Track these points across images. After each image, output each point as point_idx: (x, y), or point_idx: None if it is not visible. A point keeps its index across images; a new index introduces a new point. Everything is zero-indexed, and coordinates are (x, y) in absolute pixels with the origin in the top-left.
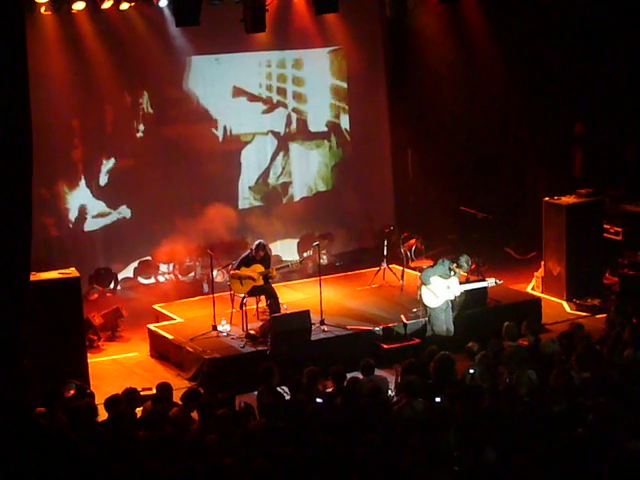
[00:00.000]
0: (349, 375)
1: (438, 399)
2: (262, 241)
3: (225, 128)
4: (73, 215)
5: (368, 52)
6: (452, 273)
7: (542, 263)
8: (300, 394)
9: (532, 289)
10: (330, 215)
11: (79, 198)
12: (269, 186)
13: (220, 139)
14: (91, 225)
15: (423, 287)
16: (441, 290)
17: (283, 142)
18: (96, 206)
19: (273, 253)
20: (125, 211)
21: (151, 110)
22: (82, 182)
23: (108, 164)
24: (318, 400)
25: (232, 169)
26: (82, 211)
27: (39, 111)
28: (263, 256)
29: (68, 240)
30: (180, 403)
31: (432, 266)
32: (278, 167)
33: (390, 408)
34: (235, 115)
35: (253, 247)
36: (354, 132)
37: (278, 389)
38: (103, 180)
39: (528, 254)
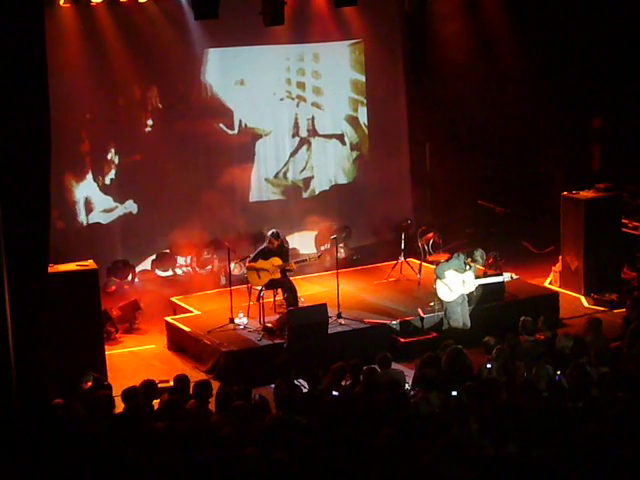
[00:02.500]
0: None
1: (454, 392)
2: (275, 230)
3: (241, 122)
4: (80, 208)
5: (387, 45)
6: (467, 267)
7: (560, 257)
8: (318, 387)
9: (550, 283)
10: (348, 208)
11: (86, 191)
12: (289, 180)
13: (236, 133)
14: (98, 219)
15: (438, 281)
16: (456, 284)
17: (303, 137)
18: (103, 200)
19: (290, 246)
20: (132, 206)
21: (162, 105)
22: (89, 175)
23: (116, 158)
24: (334, 393)
25: (248, 162)
26: (86, 204)
27: (51, 102)
28: (279, 247)
29: (76, 232)
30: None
31: (447, 260)
32: (300, 162)
33: (407, 401)
34: (252, 109)
35: (268, 236)
36: (372, 126)
37: (295, 382)
38: (111, 174)
39: (546, 248)
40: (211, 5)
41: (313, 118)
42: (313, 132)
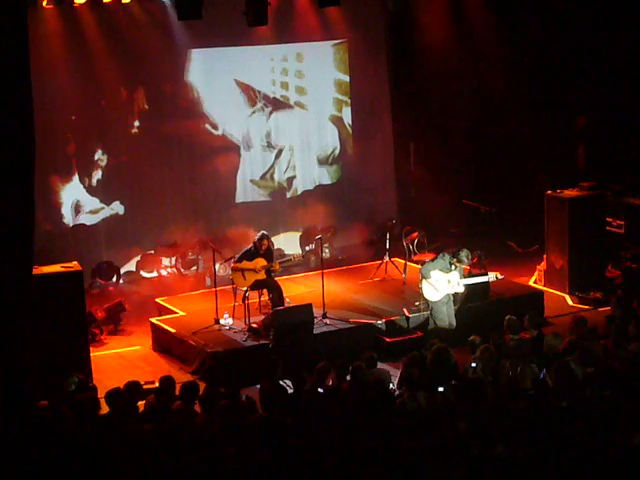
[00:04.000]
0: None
1: (441, 388)
2: (265, 232)
3: (225, 122)
4: (66, 210)
5: (371, 45)
6: (453, 267)
7: (544, 256)
8: (303, 388)
9: (534, 282)
10: (333, 208)
11: (72, 193)
12: (275, 182)
13: (220, 133)
14: (83, 220)
15: (423, 281)
16: (441, 284)
17: (286, 136)
18: (90, 201)
19: (276, 246)
20: (118, 207)
21: (147, 106)
22: (75, 177)
23: (102, 159)
24: (319, 390)
25: (232, 163)
26: (76, 206)
27: (35, 104)
28: (266, 249)
29: (61, 234)
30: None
31: (433, 260)
32: (284, 162)
33: (393, 401)
34: (236, 109)
35: (256, 238)
36: (356, 126)
37: (281, 382)
38: (97, 175)
39: (530, 247)
40: (195, 6)
41: (297, 118)
42: (297, 132)
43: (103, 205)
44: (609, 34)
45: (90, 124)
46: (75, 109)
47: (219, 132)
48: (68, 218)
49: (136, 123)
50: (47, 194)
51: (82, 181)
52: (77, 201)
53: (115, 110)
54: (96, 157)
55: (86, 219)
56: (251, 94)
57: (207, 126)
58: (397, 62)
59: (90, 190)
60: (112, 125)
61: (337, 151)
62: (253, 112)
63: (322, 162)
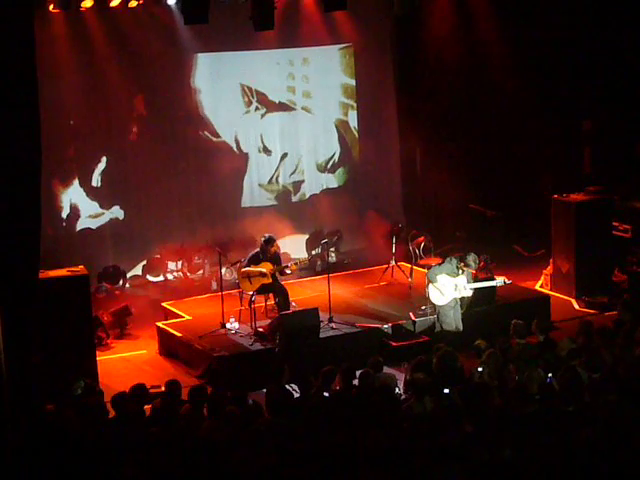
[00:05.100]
0: (358, 372)
1: (446, 390)
2: (271, 235)
3: (231, 127)
4: (66, 214)
5: (377, 49)
6: (460, 272)
7: (551, 261)
8: (310, 392)
9: (541, 287)
10: (339, 212)
11: (72, 197)
12: (280, 185)
13: (225, 138)
14: (87, 225)
15: (430, 285)
16: (448, 288)
17: (292, 141)
18: (89, 206)
19: (282, 250)
20: (118, 212)
21: (150, 110)
22: (75, 181)
23: (102, 164)
24: (325, 394)
25: (238, 167)
26: (75, 210)
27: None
28: (273, 252)
29: (65, 238)
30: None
31: (440, 264)
32: (290, 166)
33: (399, 405)
34: (242, 114)
35: (263, 241)
36: (363, 130)
37: (287, 387)
38: (97, 180)
39: (537, 251)
40: (201, 10)
41: (303, 122)
42: (304, 136)
43: (103, 210)
44: (615, 37)
45: (91, 128)
46: (77, 113)
47: (224, 137)
48: (69, 223)
49: (137, 127)
50: (48, 198)
51: (82, 185)
52: (74, 205)
53: (117, 114)
54: (96, 161)
55: (89, 223)
56: (248, 96)
57: (212, 131)
58: (403, 66)
59: (90, 194)
60: (113, 129)
61: (336, 157)
62: (246, 112)
63: (321, 169)
